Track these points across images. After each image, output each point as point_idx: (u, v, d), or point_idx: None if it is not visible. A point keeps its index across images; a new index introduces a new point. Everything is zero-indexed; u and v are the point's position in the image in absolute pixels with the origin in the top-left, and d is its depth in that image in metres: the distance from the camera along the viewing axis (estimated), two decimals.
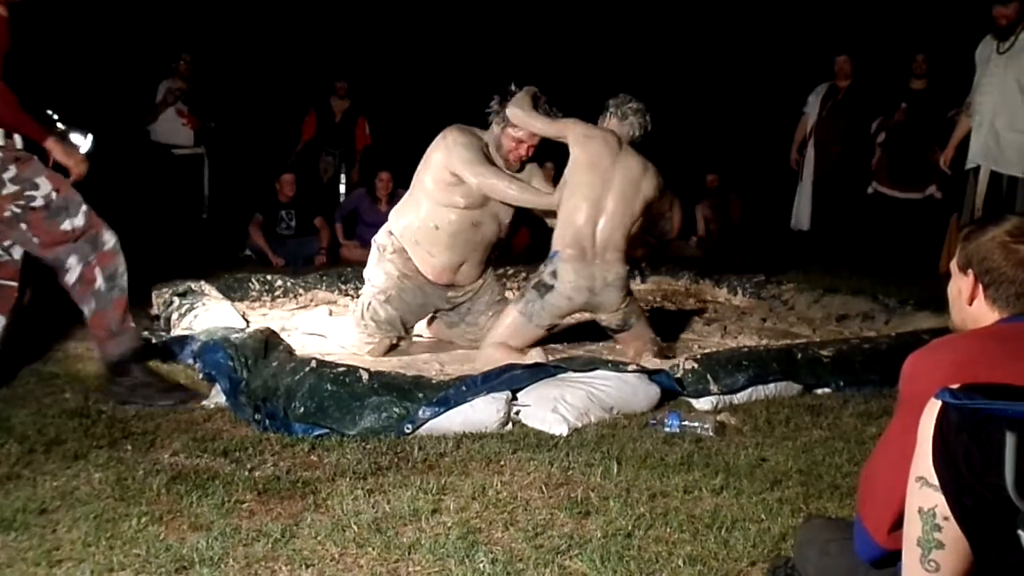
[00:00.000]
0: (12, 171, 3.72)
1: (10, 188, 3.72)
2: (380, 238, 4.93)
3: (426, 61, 11.53)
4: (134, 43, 9.67)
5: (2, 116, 3.67)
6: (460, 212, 4.73)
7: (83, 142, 4.15)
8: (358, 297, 5.20)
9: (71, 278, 3.85)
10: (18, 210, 3.74)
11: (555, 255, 4.53)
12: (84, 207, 3.83)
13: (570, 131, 4.59)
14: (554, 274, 4.50)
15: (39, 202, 3.75)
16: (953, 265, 2.05)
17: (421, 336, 5.21)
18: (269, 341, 4.16)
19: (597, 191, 4.52)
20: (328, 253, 8.59)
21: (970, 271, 1.98)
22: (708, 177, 10.13)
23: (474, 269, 4.93)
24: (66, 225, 3.79)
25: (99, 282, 3.86)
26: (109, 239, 3.88)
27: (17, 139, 3.79)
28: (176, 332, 4.77)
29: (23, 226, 3.77)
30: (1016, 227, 1.94)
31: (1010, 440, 1.59)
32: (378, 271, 4.86)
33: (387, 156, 9.40)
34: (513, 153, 4.78)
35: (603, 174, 4.53)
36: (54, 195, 3.77)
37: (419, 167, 4.86)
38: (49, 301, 4.92)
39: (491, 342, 4.58)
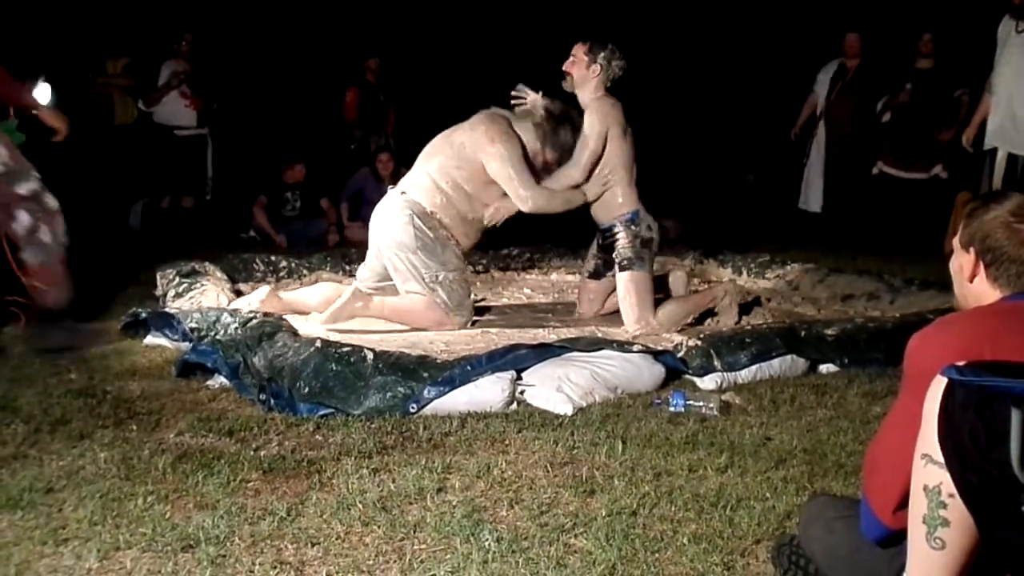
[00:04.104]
0: None
1: None
2: (423, 223, 4.80)
3: (433, 40, 11.49)
4: (136, 23, 9.63)
5: (3, 94, 4.08)
6: (486, 206, 4.96)
7: (46, 93, 4.36)
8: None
9: (19, 228, 4.26)
10: None
11: (636, 214, 4.91)
12: (34, 172, 4.27)
13: (601, 132, 4.83)
14: (650, 227, 4.92)
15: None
16: (955, 242, 2.04)
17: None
18: (265, 329, 4.13)
19: (631, 151, 4.91)
20: (339, 232, 8.58)
21: (972, 249, 1.98)
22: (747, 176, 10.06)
23: None
24: (22, 189, 4.22)
25: (46, 236, 4.29)
26: (53, 202, 4.32)
27: None
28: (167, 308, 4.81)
29: None
30: (1019, 206, 1.94)
31: (1016, 417, 1.59)
32: (449, 255, 4.85)
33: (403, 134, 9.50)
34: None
35: (629, 137, 4.90)
36: (11, 162, 4.18)
37: (448, 152, 4.89)
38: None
39: (642, 313, 4.80)
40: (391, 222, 4.84)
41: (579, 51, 4.88)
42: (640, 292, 4.83)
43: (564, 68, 4.91)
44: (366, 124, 9.56)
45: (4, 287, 4.52)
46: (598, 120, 4.80)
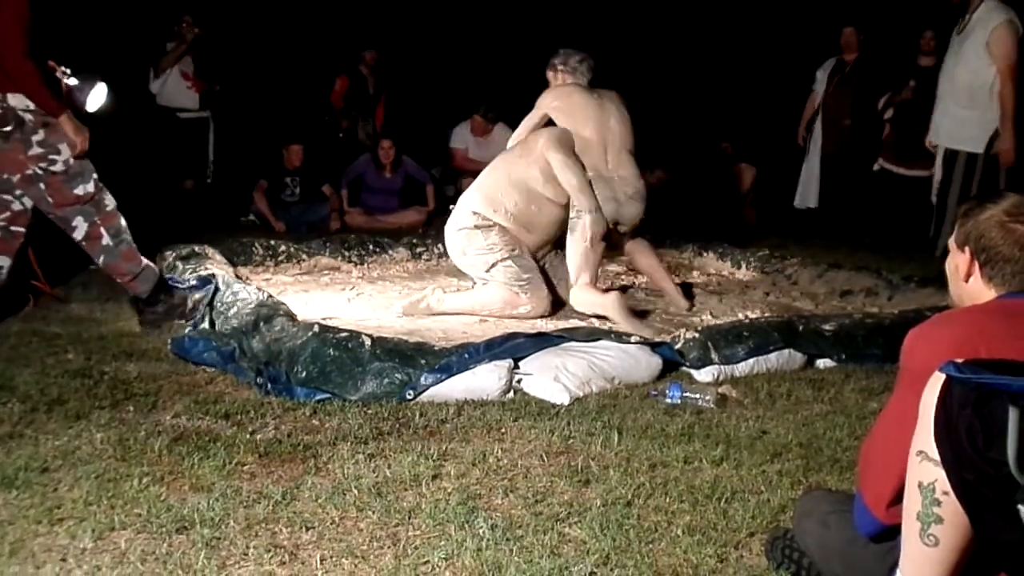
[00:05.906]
0: (41, 135, 4.06)
1: (36, 150, 4.06)
2: (465, 221, 4.96)
3: (430, 39, 11.48)
4: (137, 5, 9.59)
5: (27, 90, 3.98)
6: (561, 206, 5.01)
7: (101, 93, 4.36)
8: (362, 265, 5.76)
9: (78, 235, 4.23)
10: (40, 171, 4.08)
11: None
12: (95, 175, 4.21)
13: (544, 106, 5.17)
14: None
15: (59, 167, 4.10)
16: (951, 242, 2.04)
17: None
18: (262, 312, 4.15)
19: (595, 121, 5.04)
20: (340, 218, 8.57)
21: (967, 248, 1.98)
22: (722, 145, 9.97)
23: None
24: (79, 190, 4.16)
25: (106, 239, 4.25)
26: (110, 202, 4.28)
27: None
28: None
29: (41, 186, 4.12)
30: (1014, 206, 1.93)
31: (1013, 415, 1.59)
32: (493, 238, 4.88)
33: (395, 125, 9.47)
34: None
35: (594, 110, 5.06)
36: (71, 161, 4.12)
37: (513, 153, 5.11)
38: (52, 263, 4.93)
39: (580, 288, 4.83)
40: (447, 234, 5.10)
41: (548, 75, 5.36)
42: (573, 266, 4.90)
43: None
44: (352, 113, 9.61)
45: (24, 270, 4.59)
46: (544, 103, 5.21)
